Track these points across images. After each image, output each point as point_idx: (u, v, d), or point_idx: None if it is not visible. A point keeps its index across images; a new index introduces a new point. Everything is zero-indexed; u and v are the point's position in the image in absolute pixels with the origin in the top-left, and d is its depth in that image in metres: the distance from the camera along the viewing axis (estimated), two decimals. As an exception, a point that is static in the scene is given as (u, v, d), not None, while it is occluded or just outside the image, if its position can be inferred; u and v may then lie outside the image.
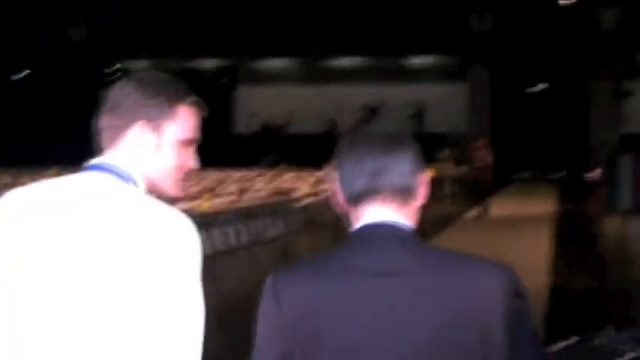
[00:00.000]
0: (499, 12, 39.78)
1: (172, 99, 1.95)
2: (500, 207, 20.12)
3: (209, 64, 42.86)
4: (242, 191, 15.88)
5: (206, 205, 12.27)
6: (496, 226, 17.14)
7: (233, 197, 14.23)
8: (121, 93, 1.94)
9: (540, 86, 40.59)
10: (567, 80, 39.88)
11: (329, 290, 1.72)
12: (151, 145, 1.93)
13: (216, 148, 38.99)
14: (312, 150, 33.60)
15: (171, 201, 1.93)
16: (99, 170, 1.91)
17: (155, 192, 1.95)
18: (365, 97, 40.18)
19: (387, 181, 1.77)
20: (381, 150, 1.78)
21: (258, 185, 18.13)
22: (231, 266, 12.81)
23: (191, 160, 2.01)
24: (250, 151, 37.79)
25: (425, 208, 1.85)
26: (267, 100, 40.32)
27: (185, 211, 1.90)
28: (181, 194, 2.05)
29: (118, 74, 43.21)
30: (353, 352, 1.69)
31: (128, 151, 1.92)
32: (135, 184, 1.91)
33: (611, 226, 17.11)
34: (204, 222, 12.70)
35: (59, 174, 2.07)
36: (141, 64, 44.15)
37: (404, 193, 1.79)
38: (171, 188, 1.99)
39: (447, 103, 39.81)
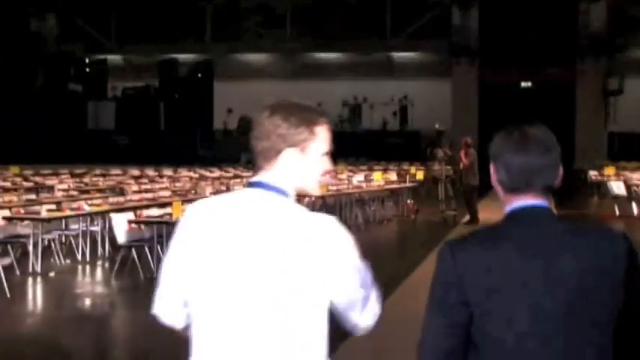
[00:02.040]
0: (485, 6, 38.66)
1: (312, 123, 2.46)
2: (490, 211, 18.77)
3: (186, 57, 41.42)
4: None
5: (177, 212, 10.78)
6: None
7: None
8: (271, 124, 2.43)
9: (527, 83, 39.56)
10: (554, 77, 38.87)
11: (498, 261, 2.23)
12: (300, 163, 2.45)
13: (195, 144, 38.22)
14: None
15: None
16: (261, 187, 2.46)
17: (301, 193, 2.53)
18: (347, 93, 38.88)
19: (540, 182, 2.33)
20: (538, 156, 2.32)
21: (235, 188, 16.68)
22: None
23: (328, 165, 2.53)
24: (227, 149, 36.43)
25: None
26: (246, 96, 38.98)
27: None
28: (320, 192, 2.63)
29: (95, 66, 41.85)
30: (516, 313, 2.21)
31: (282, 170, 2.45)
32: (287, 195, 2.45)
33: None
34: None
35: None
36: (114, 57, 42.73)
37: (550, 188, 2.35)
38: (313, 190, 2.55)
39: (432, 99, 38.66)
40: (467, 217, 17.46)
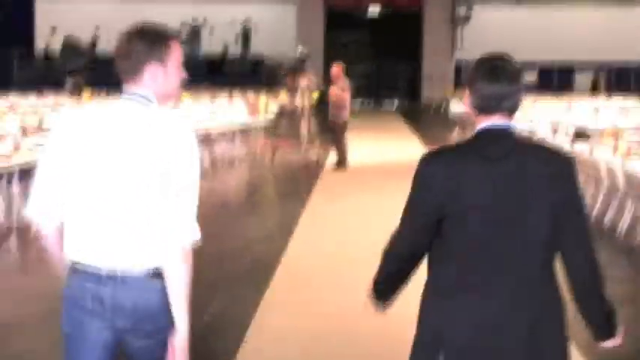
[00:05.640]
0: None
1: (166, 40, 2.91)
2: (361, 151, 16.46)
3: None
4: (25, 133, 11.14)
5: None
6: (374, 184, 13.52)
7: (8, 147, 9.61)
8: (130, 44, 2.89)
9: (374, 10, 37.78)
10: (402, 3, 37.33)
11: (466, 168, 2.74)
12: (162, 75, 2.90)
13: (11, 67, 33.91)
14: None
15: None
16: (130, 97, 2.90)
17: (165, 100, 2.95)
18: (184, 16, 35.41)
19: (507, 104, 2.81)
20: (507, 82, 2.81)
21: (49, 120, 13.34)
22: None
23: (183, 74, 2.99)
24: (49, 73, 32.41)
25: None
26: (73, 17, 34.86)
27: None
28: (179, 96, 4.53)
29: None
30: (479, 209, 2.71)
31: (147, 82, 2.89)
32: (151, 102, 2.89)
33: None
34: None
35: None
36: None
37: (515, 111, 2.85)
38: (175, 96, 3.04)
39: (276, 25, 36.00)
40: (333, 158, 14.94)
